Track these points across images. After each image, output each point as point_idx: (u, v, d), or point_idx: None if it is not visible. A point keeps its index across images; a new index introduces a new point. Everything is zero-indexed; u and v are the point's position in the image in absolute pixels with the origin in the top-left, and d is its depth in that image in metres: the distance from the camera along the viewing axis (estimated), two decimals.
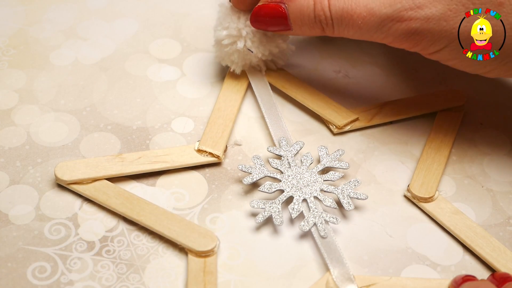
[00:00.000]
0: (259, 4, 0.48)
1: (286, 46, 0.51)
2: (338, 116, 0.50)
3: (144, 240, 0.44)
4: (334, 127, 0.50)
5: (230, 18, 0.49)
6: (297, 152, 0.47)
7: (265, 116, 0.50)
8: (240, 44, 0.49)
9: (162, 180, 0.47)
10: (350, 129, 0.50)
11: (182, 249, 0.44)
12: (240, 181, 0.47)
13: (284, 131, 0.49)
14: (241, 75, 0.52)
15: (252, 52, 0.49)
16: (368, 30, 0.45)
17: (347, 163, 0.47)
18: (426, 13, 0.44)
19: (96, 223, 0.45)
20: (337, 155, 0.48)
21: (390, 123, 0.51)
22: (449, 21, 0.44)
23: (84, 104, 0.51)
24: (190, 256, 0.43)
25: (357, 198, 0.46)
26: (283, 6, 0.47)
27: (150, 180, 0.47)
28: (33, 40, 0.55)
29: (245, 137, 0.50)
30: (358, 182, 0.46)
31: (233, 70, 0.51)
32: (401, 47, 0.46)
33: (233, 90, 0.51)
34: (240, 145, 0.50)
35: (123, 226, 0.45)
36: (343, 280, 0.42)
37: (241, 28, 0.49)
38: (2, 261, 0.43)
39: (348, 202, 0.45)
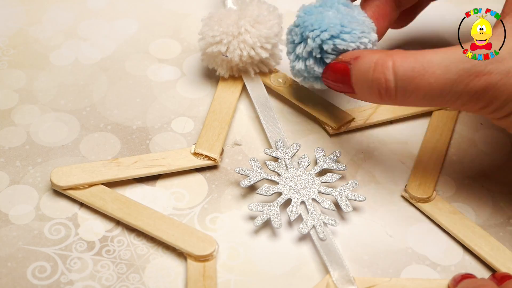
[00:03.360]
0: (329, 63, 0.45)
1: (271, 52, 0.51)
2: (334, 117, 0.50)
3: (144, 240, 0.44)
4: (330, 128, 0.50)
5: (209, 26, 0.50)
6: (294, 154, 0.47)
7: (260, 118, 0.50)
8: (214, 49, 0.49)
9: (162, 180, 0.47)
10: (346, 130, 0.50)
11: (181, 253, 0.44)
12: (240, 181, 0.47)
13: (280, 133, 0.49)
14: (236, 77, 0.52)
15: (226, 57, 0.49)
16: (441, 90, 0.40)
17: (344, 165, 0.47)
18: (507, 66, 0.40)
19: (96, 223, 0.45)
20: (333, 157, 0.48)
21: (390, 123, 0.51)
22: None
23: (84, 104, 0.51)
24: (189, 260, 0.43)
25: (355, 200, 0.46)
26: (349, 67, 0.43)
27: (150, 180, 0.47)
28: (33, 40, 0.55)
29: (245, 137, 0.50)
30: (356, 183, 0.46)
31: (218, 74, 0.51)
32: (471, 111, 0.42)
33: (228, 91, 0.51)
34: (240, 145, 0.50)
35: (123, 226, 0.45)
36: (343, 282, 0.42)
37: (216, 35, 0.49)
38: (2, 260, 0.43)
39: (346, 204, 0.45)
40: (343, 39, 0.44)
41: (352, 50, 0.44)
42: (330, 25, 0.45)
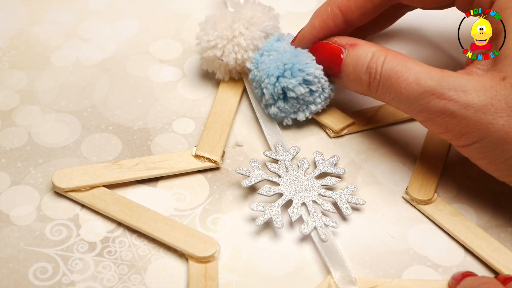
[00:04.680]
0: (321, 41, 0.48)
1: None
2: (335, 120, 0.50)
3: (146, 241, 0.44)
4: (331, 131, 0.50)
5: (204, 31, 0.50)
6: (294, 157, 0.47)
7: (260, 121, 0.50)
8: (209, 53, 0.49)
9: (163, 181, 0.47)
10: (347, 133, 0.50)
11: (183, 254, 0.44)
12: (241, 182, 0.47)
13: (279, 137, 0.49)
14: (237, 79, 0.52)
15: (222, 60, 0.50)
16: (408, 97, 0.43)
17: (343, 169, 0.47)
18: (468, 99, 0.41)
19: (97, 224, 0.45)
20: (332, 161, 0.48)
21: (391, 124, 0.51)
22: (488, 114, 0.41)
23: (85, 105, 0.51)
24: (190, 262, 0.43)
25: (355, 203, 0.46)
26: (343, 51, 0.46)
27: (152, 181, 0.47)
28: (34, 40, 0.55)
29: (246, 138, 0.50)
30: (355, 188, 0.46)
31: (218, 77, 0.51)
32: (433, 129, 0.44)
33: (229, 93, 0.51)
34: (241, 146, 0.50)
35: (124, 227, 0.45)
36: (345, 283, 0.42)
37: (211, 39, 0.49)
38: (4, 261, 0.43)
39: (347, 207, 0.45)
40: (285, 77, 0.47)
41: (296, 85, 0.47)
42: (275, 68, 0.47)
